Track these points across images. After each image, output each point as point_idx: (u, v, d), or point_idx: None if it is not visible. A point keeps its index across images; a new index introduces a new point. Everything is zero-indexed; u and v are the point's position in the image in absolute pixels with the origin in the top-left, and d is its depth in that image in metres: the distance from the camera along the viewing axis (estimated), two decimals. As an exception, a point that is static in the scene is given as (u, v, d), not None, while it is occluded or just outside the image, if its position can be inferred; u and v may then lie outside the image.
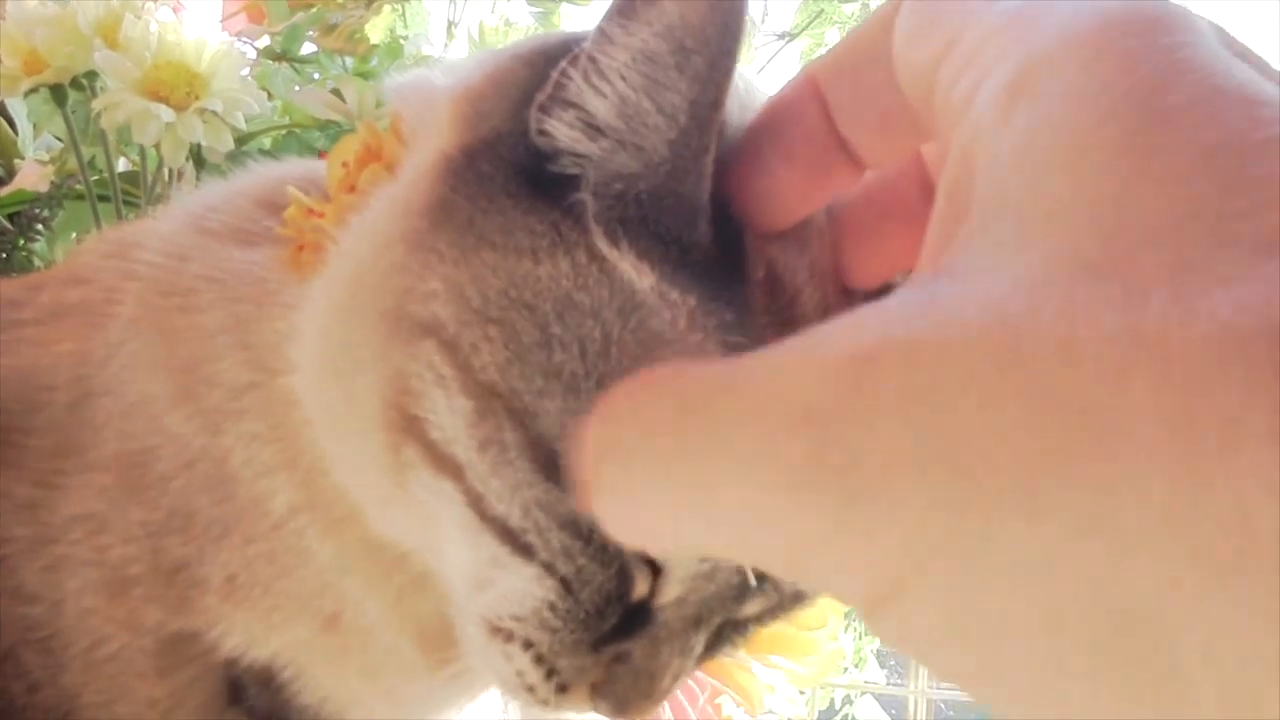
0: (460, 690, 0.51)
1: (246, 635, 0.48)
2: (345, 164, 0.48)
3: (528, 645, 0.41)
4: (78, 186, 0.97)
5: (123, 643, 0.48)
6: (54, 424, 0.50)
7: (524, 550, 0.39)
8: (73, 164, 0.94)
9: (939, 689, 1.39)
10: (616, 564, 0.40)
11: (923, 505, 0.21)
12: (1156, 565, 0.19)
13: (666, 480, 0.23)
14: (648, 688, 0.42)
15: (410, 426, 0.40)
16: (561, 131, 0.38)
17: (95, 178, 0.95)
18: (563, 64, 0.38)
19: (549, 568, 0.39)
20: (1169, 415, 0.20)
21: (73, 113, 0.89)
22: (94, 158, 0.96)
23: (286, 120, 0.99)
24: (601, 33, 0.36)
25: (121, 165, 1.01)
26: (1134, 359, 0.20)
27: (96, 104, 0.82)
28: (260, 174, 0.56)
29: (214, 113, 0.83)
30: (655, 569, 0.40)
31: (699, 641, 0.43)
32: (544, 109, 0.38)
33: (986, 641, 0.21)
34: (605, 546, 0.39)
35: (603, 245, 0.38)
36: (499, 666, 0.42)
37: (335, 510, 0.47)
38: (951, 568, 0.21)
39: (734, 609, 0.43)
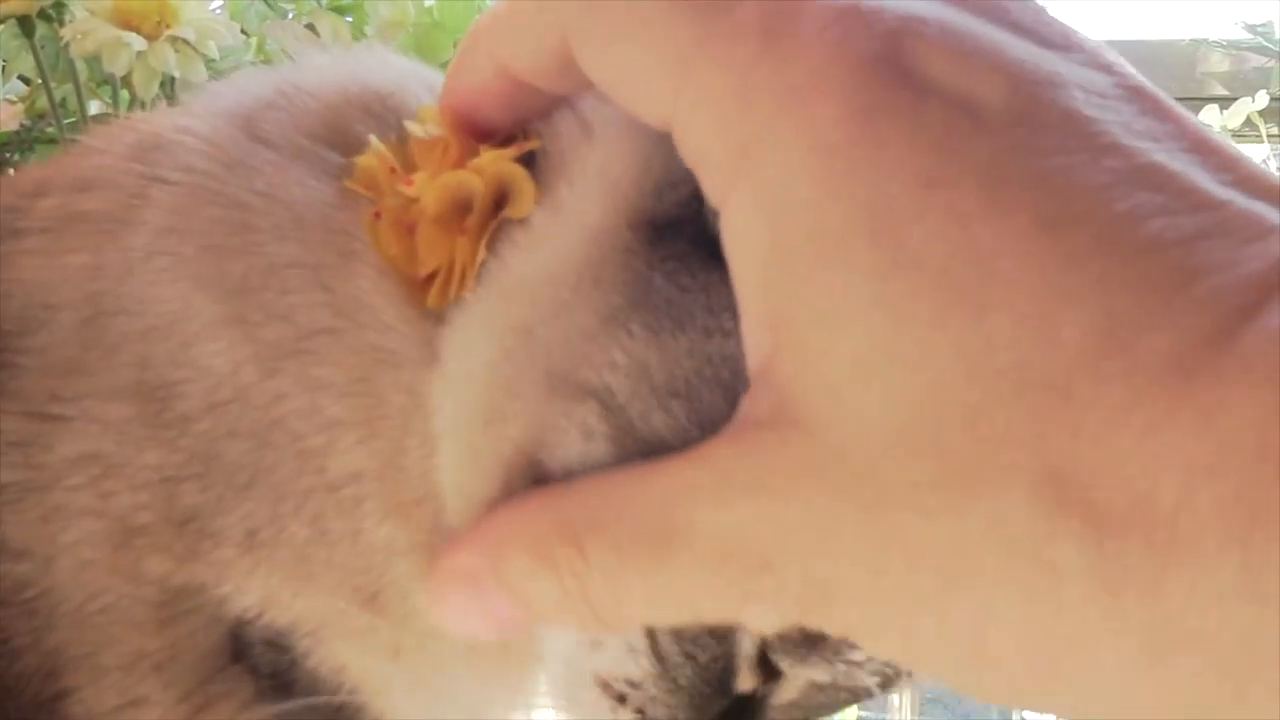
0: (495, 700, 0.49)
1: (265, 597, 0.44)
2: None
3: (639, 713, 0.40)
4: (49, 129, 0.95)
5: (121, 594, 0.44)
6: (56, 342, 0.45)
7: None
8: (43, 103, 0.92)
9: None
10: (719, 652, 0.39)
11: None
12: None
13: None
14: None
15: (531, 471, 0.39)
16: None
17: (68, 121, 0.93)
18: None
19: (650, 634, 0.39)
20: None
21: (42, 48, 0.87)
22: (65, 99, 0.94)
23: (260, 58, 0.98)
24: None
25: (93, 109, 1.00)
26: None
27: (66, 32, 0.80)
28: (330, 78, 0.49)
29: (186, 41, 0.82)
30: (770, 672, 0.40)
31: None
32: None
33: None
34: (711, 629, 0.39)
35: None
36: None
37: (408, 491, 0.43)
38: None
39: (836, 711, 0.43)
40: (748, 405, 0.29)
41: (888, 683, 0.40)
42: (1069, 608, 0.25)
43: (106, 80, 0.92)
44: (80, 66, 0.88)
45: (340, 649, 0.45)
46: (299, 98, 0.48)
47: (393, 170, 0.43)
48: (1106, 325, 0.23)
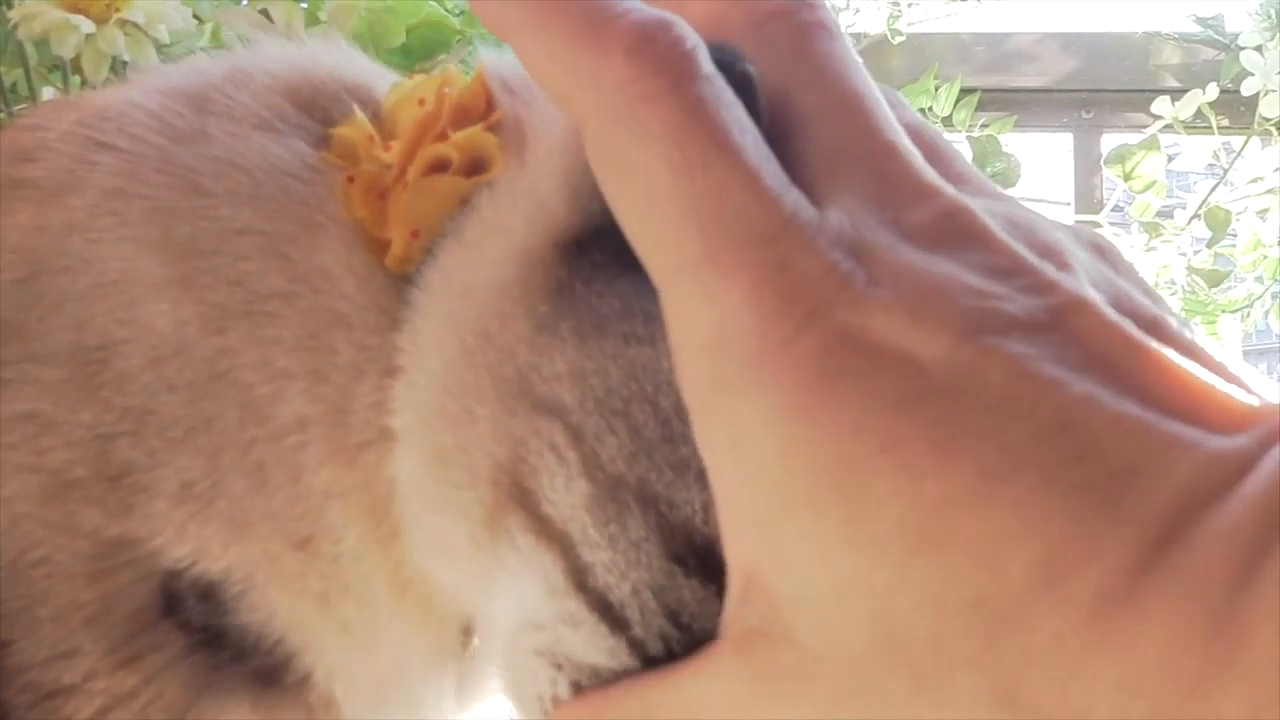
0: (421, 652, 0.49)
1: (197, 548, 0.45)
2: (423, 101, 0.46)
3: (576, 686, 0.40)
4: (0, 115, 0.94)
5: (55, 545, 0.45)
6: None
7: (617, 623, 0.39)
8: (-7, 88, 0.91)
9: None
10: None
11: None
12: None
13: None
14: None
15: (521, 498, 0.40)
16: None
17: (19, 106, 0.93)
18: None
19: (637, 645, 0.39)
20: None
21: (-10, 33, 0.87)
22: (15, 84, 0.94)
23: (214, 44, 0.97)
24: None
25: (45, 95, 0.99)
26: None
27: (13, 14, 0.80)
28: (294, 63, 0.51)
29: (135, 25, 0.82)
30: None
31: None
32: None
33: None
34: (699, 641, 0.39)
35: None
36: (538, 685, 0.41)
37: (353, 436, 0.45)
38: None
39: None
40: (738, 607, 0.33)
41: None
42: None
43: (57, 65, 0.91)
44: (30, 51, 0.88)
45: (270, 595, 0.46)
46: (259, 77, 0.49)
47: (371, 138, 0.45)
48: (1045, 561, 0.28)
